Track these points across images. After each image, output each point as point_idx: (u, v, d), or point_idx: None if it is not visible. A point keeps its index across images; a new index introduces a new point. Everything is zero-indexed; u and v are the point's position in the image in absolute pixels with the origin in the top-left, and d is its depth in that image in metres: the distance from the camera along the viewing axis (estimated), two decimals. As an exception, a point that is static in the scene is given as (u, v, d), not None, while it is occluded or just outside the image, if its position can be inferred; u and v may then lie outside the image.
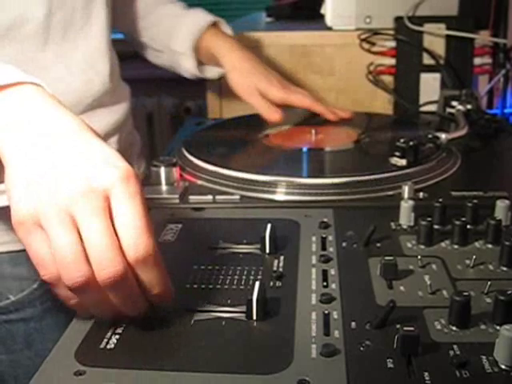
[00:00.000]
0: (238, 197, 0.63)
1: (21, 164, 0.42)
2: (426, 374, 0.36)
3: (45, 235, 0.40)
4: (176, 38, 0.89)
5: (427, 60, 0.97)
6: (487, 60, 0.98)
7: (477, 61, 0.98)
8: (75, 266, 0.39)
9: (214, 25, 0.91)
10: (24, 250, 0.41)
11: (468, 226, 0.53)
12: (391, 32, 0.98)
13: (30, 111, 0.44)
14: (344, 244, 0.53)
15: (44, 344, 0.74)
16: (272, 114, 0.84)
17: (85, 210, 0.39)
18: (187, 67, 0.91)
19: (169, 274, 0.43)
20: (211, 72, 0.93)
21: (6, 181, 0.42)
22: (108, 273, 0.39)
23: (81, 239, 0.40)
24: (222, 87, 1.02)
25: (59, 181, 0.41)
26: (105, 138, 0.74)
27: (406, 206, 0.56)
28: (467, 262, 0.49)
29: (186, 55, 0.89)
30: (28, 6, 0.64)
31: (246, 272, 0.49)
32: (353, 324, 0.41)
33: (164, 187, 0.66)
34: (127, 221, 0.40)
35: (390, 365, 0.37)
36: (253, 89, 0.85)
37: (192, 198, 0.63)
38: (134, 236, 0.40)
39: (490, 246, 0.52)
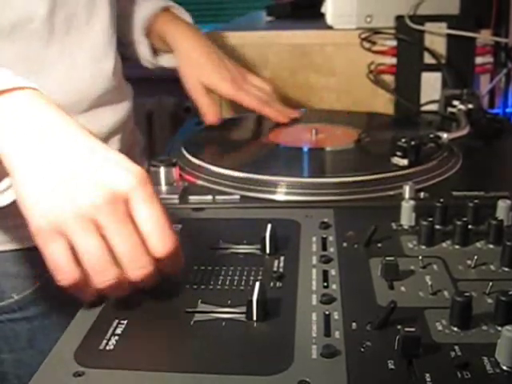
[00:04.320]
0: (238, 197, 0.63)
1: (32, 170, 0.42)
2: (427, 375, 0.36)
3: (65, 242, 0.41)
4: (131, 26, 0.86)
5: (428, 59, 0.97)
6: (489, 59, 0.98)
7: (478, 60, 0.97)
8: (107, 271, 0.41)
9: (170, 10, 0.86)
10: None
11: (469, 226, 0.52)
12: (392, 31, 0.97)
13: (31, 116, 0.44)
14: (345, 244, 0.53)
15: (47, 343, 0.73)
16: (209, 115, 0.80)
17: (110, 218, 0.41)
18: (142, 54, 0.87)
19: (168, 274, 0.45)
20: (168, 61, 0.87)
21: (17, 187, 0.43)
22: (140, 274, 0.42)
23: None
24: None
25: (79, 188, 0.41)
26: (108, 136, 0.74)
27: (407, 206, 0.56)
28: (468, 262, 0.49)
29: (139, 42, 0.86)
30: (32, 4, 0.64)
31: (246, 272, 0.49)
32: (353, 325, 0.41)
33: (163, 187, 0.65)
34: (152, 222, 0.42)
35: (390, 366, 0.37)
36: (197, 83, 0.80)
37: (192, 198, 0.63)
38: (161, 235, 0.42)
39: (491, 246, 0.52)
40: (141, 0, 0.87)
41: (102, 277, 0.42)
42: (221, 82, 0.80)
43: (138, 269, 0.42)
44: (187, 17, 0.88)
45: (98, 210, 0.41)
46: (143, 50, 0.87)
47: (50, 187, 0.41)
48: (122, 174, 0.42)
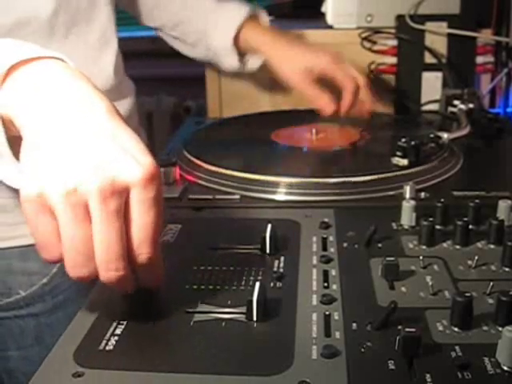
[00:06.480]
0: (238, 197, 0.63)
1: (38, 137, 0.40)
2: (428, 375, 0.36)
3: (52, 219, 0.39)
4: (213, 36, 0.89)
5: (429, 59, 0.97)
6: (489, 59, 0.98)
7: (479, 59, 0.97)
8: (83, 263, 0.40)
9: (251, 16, 0.89)
10: (34, 245, 0.41)
11: (470, 226, 0.52)
12: (393, 30, 0.97)
13: (52, 84, 0.43)
14: (345, 244, 0.53)
15: (54, 339, 0.73)
16: (325, 107, 0.80)
17: (99, 208, 0.39)
18: (229, 63, 0.91)
19: (168, 275, 0.44)
20: (252, 64, 0.92)
21: (21, 152, 0.41)
22: (110, 275, 0.40)
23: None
24: (221, 87, 1.01)
25: (79, 167, 0.39)
26: None
27: (407, 206, 0.56)
28: (469, 262, 0.49)
29: (226, 53, 0.89)
30: (36, 4, 0.64)
31: (246, 272, 0.48)
32: (354, 325, 0.41)
33: (163, 187, 0.65)
34: (140, 230, 0.40)
35: (391, 366, 0.37)
36: (302, 75, 0.82)
37: (192, 198, 0.63)
38: (143, 246, 0.40)
39: (492, 246, 0.52)
40: (218, 7, 0.89)
41: (76, 267, 0.40)
42: (321, 59, 0.83)
43: (109, 270, 0.39)
44: (265, 18, 0.91)
45: (92, 197, 0.38)
46: (230, 60, 0.90)
47: (54, 158, 0.39)
48: (131, 165, 0.39)
